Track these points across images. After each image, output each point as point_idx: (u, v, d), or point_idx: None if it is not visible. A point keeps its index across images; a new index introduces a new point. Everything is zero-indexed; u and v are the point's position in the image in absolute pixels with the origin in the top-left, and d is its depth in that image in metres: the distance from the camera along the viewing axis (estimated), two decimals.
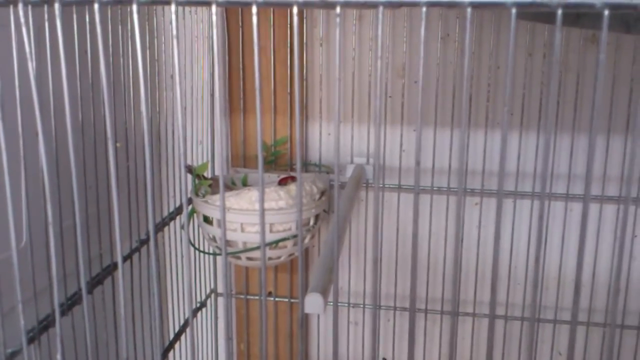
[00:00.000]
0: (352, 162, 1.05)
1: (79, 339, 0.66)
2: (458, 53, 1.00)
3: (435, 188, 1.03)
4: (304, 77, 1.05)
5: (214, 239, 0.89)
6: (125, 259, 0.80)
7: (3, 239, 0.49)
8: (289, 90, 1.04)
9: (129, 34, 0.75)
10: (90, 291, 0.72)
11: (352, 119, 1.05)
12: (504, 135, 0.41)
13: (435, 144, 1.03)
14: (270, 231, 0.85)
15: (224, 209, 0.46)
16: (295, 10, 0.40)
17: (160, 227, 0.93)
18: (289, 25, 1.02)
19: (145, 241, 0.85)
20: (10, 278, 0.50)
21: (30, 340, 0.61)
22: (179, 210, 0.97)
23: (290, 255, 0.91)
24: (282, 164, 1.06)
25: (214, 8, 0.41)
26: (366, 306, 1.11)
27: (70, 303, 0.68)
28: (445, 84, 1.02)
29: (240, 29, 1.03)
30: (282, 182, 0.95)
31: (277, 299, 1.11)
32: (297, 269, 1.11)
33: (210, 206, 0.86)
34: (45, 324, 0.64)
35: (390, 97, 1.05)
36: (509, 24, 0.99)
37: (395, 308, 1.09)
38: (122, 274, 0.50)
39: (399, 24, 1.01)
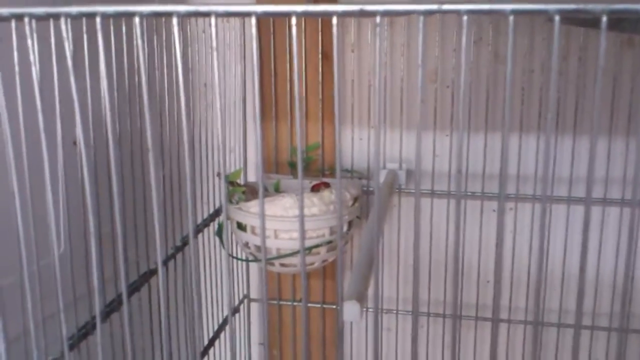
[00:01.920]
0: (384, 167, 1.05)
1: (117, 346, 0.67)
2: (491, 57, 0.99)
3: (469, 193, 1.03)
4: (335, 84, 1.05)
5: (247, 245, 0.90)
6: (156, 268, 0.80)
7: (42, 245, 0.50)
8: (320, 97, 1.04)
9: (164, 44, 0.76)
10: (128, 298, 0.73)
11: (384, 124, 1.05)
12: (547, 140, 0.41)
13: (468, 148, 1.02)
14: (304, 237, 0.85)
15: (263, 216, 0.46)
16: (335, 20, 0.40)
17: (194, 233, 0.93)
18: (320, 32, 1.02)
19: (181, 248, 0.86)
20: (49, 286, 0.51)
21: (70, 348, 0.62)
22: (212, 217, 0.98)
23: (324, 261, 0.91)
24: (314, 169, 1.06)
25: (253, 20, 0.41)
26: (399, 312, 1.11)
27: (108, 310, 0.69)
28: (479, 88, 1.01)
29: (272, 35, 1.03)
30: (315, 189, 0.96)
31: (309, 305, 1.11)
32: (329, 275, 1.11)
33: (244, 213, 0.86)
34: (85, 332, 0.64)
35: (422, 102, 1.04)
36: (542, 27, 0.98)
37: (428, 314, 1.08)
38: (160, 282, 0.51)
39: (430, 29, 1.00)
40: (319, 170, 1.05)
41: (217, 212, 0.99)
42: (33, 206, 0.51)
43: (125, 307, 0.51)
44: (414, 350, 0.43)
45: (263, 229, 0.44)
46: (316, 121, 1.05)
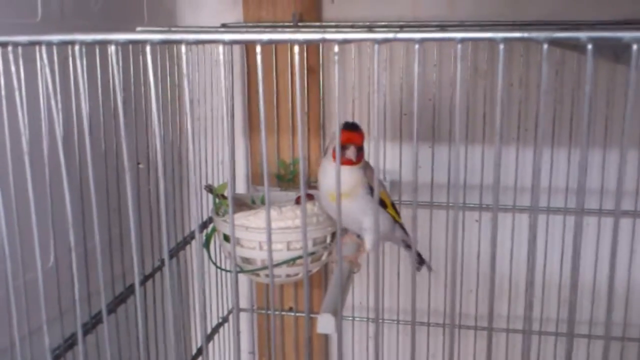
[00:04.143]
0: None
1: (104, 356, 0.69)
2: (471, 71, 1.02)
3: (451, 204, 1.05)
4: (322, 97, 1.08)
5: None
6: (147, 277, 0.83)
7: (31, 259, 0.52)
8: (306, 110, 1.07)
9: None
10: (114, 310, 0.75)
11: (368, 136, 1.07)
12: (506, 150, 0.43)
13: (449, 160, 1.05)
14: (288, 249, 0.88)
15: (232, 226, 0.48)
16: (296, 49, 0.43)
17: (182, 245, 0.96)
18: (305, 48, 1.04)
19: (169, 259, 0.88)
20: (37, 297, 0.54)
21: (56, 358, 0.64)
22: (200, 229, 1.00)
23: (309, 271, 0.94)
24: (299, 182, 1.08)
25: (221, 48, 0.44)
26: (385, 321, 1.13)
27: (95, 321, 0.71)
28: (460, 103, 1.03)
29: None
30: (299, 201, 0.98)
31: (297, 314, 1.13)
32: (316, 285, 1.13)
33: (230, 225, 0.88)
34: (71, 342, 0.67)
35: (405, 114, 1.07)
36: (520, 43, 1.01)
37: (413, 323, 1.10)
38: (144, 293, 0.53)
39: (412, 44, 1.03)
40: (305, 182, 1.08)
41: (205, 224, 1.01)
42: (22, 221, 0.53)
43: (105, 322, 0.53)
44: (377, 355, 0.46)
45: (233, 240, 0.47)
46: (303, 134, 1.07)
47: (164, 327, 0.86)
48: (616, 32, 0.40)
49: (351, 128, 0.78)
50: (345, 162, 0.78)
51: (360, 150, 0.79)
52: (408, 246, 0.92)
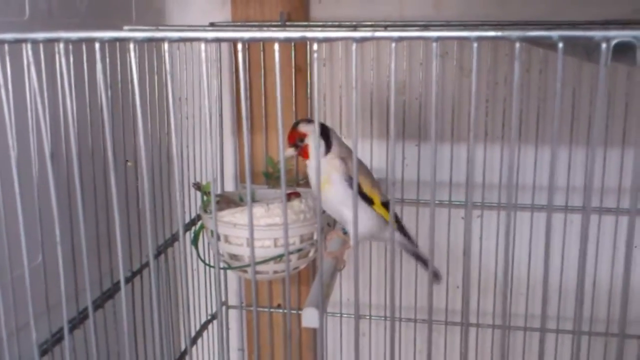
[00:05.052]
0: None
1: (91, 350, 0.70)
2: (456, 70, 1.03)
3: (437, 202, 1.07)
4: (308, 96, 1.09)
5: (221, 254, 0.93)
6: (135, 274, 0.84)
7: (19, 256, 0.53)
8: (294, 109, 1.08)
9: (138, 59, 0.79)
10: (102, 305, 0.76)
11: (355, 134, 1.08)
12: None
13: (436, 158, 1.06)
14: (275, 245, 0.89)
15: (215, 222, 0.49)
16: (276, 47, 0.44)
17: (170, 242, 0.97)
18: (293, 45, 1.05)
19: (156, 256, 0.89)
20: (25, 293, 0.54)
21: (44, 353, 0.65)
22: (189, 226, 1.01)
23: (295, 268, 0.95)
24: (288, 179, 1.09)
25: (203, 46, 0.45)
26: (372, 317, 1.14)
27: (83, 317, 0.72)
28: (445, 101, 1.04)
29: (247, 50, 1.07)
30: (289, 197, 0.99)
31: (286, 311, 1.14)
32: (304, 282, 1.14)
33: (218, 222, 0.89)
34: (59, 337, 0.68)
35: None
36: (505, 43, 1.02)
37: (400, 319, 1.12)
38: (132, 289, 0.54)
39: (399, 42, 1.04)
40: (293, 180, 1.09)
41: (193, 222, 1.02)
42: (10, 218, 0.54)
43: (91, 318, 0.54)
44: (357, 352, 0.47)
45: (216, 236, 0.48)
46: (282, 132, 1.08)
47: (152, 323, 0.87)
48: (586, 31, 0.41)
49: (292, 127, 0.83)
50: (302, 155, 0.83)
51: (296, 146, 0.83)
52: (412, 253, 0.91)
